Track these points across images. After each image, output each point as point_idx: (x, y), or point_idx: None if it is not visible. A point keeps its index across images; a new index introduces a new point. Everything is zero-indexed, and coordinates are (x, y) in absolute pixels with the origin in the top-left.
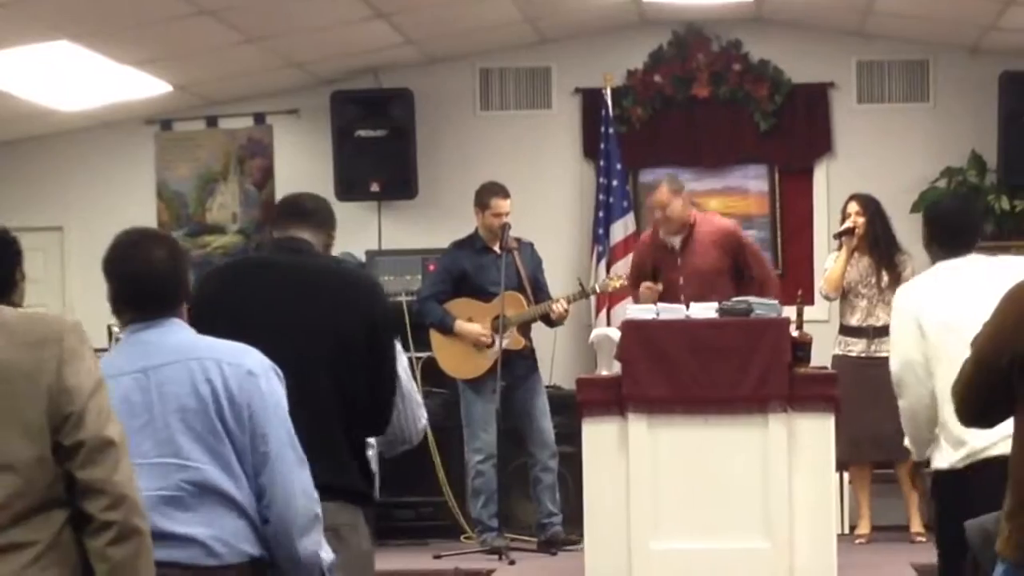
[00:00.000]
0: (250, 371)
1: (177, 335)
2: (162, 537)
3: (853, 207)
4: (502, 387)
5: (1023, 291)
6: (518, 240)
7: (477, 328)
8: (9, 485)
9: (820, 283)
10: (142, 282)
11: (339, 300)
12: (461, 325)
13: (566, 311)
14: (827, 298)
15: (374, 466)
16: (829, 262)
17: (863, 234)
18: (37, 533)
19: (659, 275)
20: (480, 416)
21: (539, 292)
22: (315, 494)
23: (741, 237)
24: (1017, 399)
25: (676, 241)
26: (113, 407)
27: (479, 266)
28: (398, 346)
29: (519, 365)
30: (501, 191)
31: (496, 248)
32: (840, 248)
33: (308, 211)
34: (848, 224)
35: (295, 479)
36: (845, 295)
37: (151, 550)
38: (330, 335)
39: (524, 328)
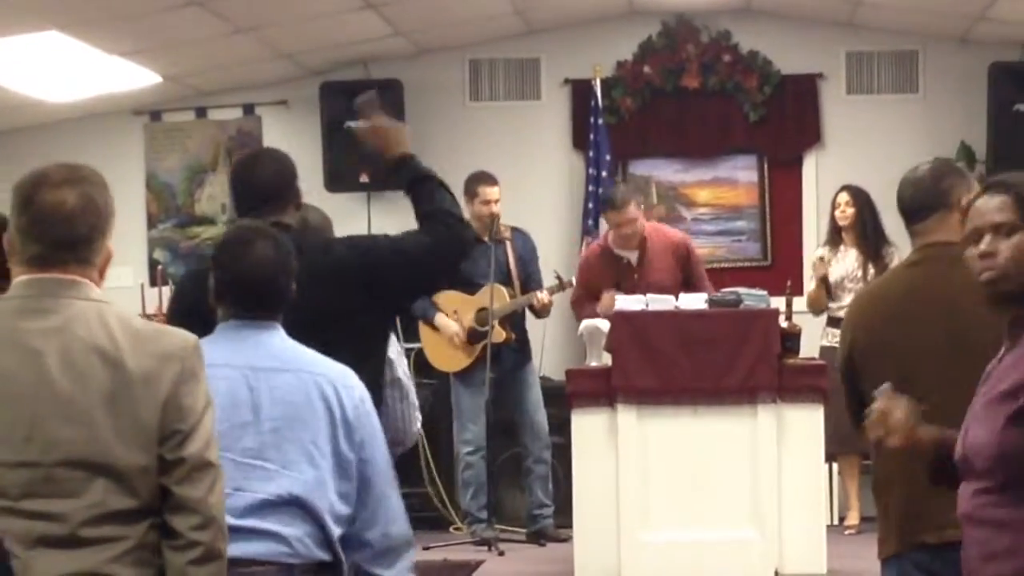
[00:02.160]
0: (362, 397)
1: (279, 342)
2: (241, 531)
3: (843, 197)
4: (493, 379)
5: (855, 300)
6: (512, 229)
7: (454, 328)
8: (114, 486)
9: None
10: (250, 282)
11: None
12: (440, 319)
13: (550, 302)
14: (815, 315)
15: None
16: (811, 286)
17: (852, 224)
18: (127, 532)
19: (612, 288)
20: (469, 408)
21: (530, 282)
22: (406, 517)
23: (690, 248)
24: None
25: (632, 256)
26: (213, 395)
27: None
28: (399, 347)
29: (508, 358)
30: (488, 179)
31: (486, 238)
32: (827, 243)
33: (270, 195)
34: (820, 275)
35: (394, 504)
36: (835, 287)
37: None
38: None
39: (511, 321)
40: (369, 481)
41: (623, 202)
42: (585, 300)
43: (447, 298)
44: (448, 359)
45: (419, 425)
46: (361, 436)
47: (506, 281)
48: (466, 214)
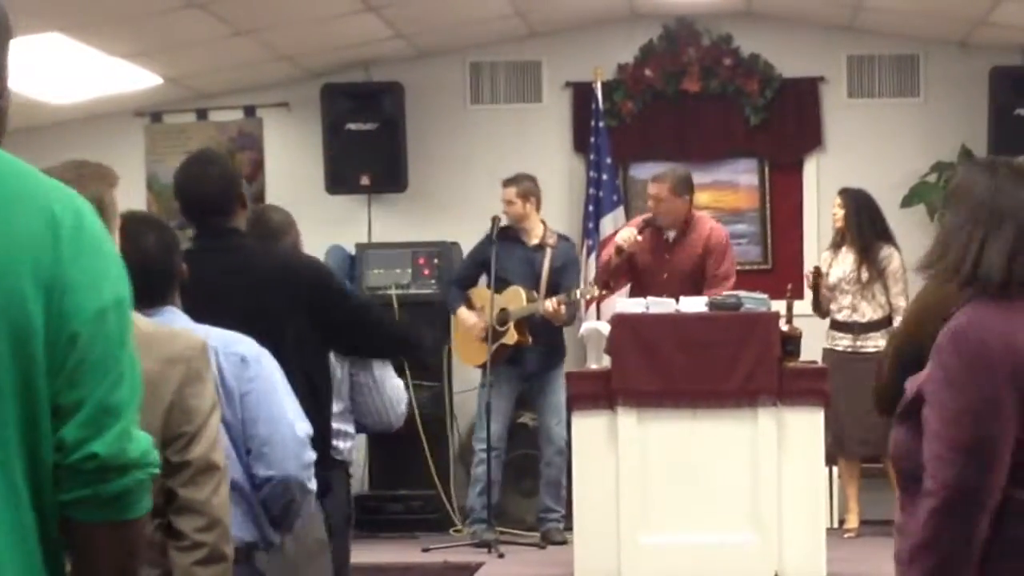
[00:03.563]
0: (243, 358)
1: (171, 323)
2: None
3: (836, 200)
4: (518, 380)
5: (924, 292)
6: (559, 236)
7: (472, 319)
8: None
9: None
10: (131, 269)
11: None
12: (462, 312)
13: (555, 311)
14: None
15: (352, 455)
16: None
17: (843, 227)
18: None
19: (636, 264)
20: (484, 406)
21: (558, 292)
22: (311, 468)
23: (720, 244)
24: None
25: (671, 235)
26: None
27: (504, 256)
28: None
29: (531, 360)
30: (506, 181)
31: (530, 240)
32: (830, 247)
33: (214, 207)
34: (811, 282)
35: (290, 463)
36: (832, 289)
37: None
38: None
39: (531, 325)
40: (252, 435)
41: (656, 178)
42: (606, 254)
43: (480, 293)
44: (468, 352)
45: (403, 407)
46: (240, 394)
47: (535, 286)
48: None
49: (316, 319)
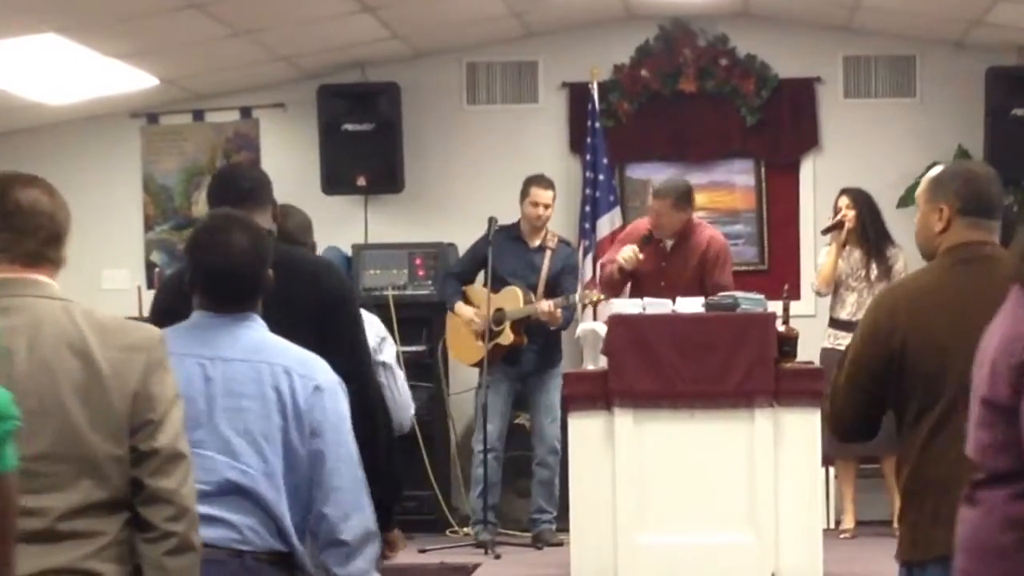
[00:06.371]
0: (318, 386)
1: (249, 332)
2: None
3: (843, 201)
4: (517, 379)
5: (884, 297)
6: (560, 240)
7: (470, 313)
8: (88, 477)
9: (813, 279)
10: (220, 274)
11: (290, 282)
12: (460, 307)
13: (550, 311)
14: (819, 294)
15: None
16: (823, 257)
17: (853, 227)
18: (103, 526)
19: (635, 272)
20: (480, 407)
21: (556, 294)
22: (370, 511)
23: (718, 252)
24: (891, 403)
25: (668, 244)
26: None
27: (503, 255)
28: (386, 333)
29: (527, 360)
30: (542, 181)
31: (531, 242)
32: (830, 243)
33: (245, 191)
34: (837, 218)
35: (348, 498)
36: (836, 288)
37: (199, 567)
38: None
39: (527, 325)
40: (319, 472)
41: (657, 193)
42: (609, 263)
43: (476, 292)
44: (463, 350)
45: (412, 411)
46: (311, 427)
47: (533, 287)
48: (518, 212)
49: (326, 327)
